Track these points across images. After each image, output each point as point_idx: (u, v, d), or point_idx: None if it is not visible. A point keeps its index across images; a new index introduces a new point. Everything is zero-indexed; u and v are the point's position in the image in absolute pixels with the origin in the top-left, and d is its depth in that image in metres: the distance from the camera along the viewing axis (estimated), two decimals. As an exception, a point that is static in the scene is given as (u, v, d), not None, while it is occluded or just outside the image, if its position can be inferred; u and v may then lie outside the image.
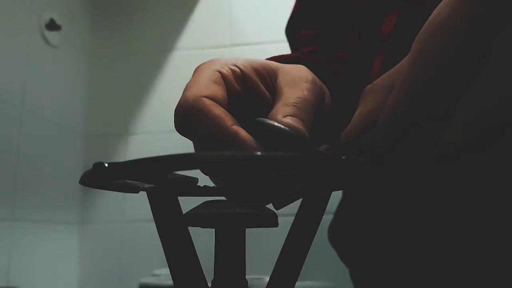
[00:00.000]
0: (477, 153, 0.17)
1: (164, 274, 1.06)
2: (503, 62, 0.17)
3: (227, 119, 0.28)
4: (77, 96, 1.32)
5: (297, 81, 0.32)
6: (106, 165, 0.19)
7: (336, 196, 0.53)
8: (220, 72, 0.32)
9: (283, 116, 0.28)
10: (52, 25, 1.19)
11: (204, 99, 0.28)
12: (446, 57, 0.18)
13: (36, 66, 1.13)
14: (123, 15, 1.41)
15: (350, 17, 0.49)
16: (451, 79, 0.18)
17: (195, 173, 0.24)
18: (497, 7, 0.17)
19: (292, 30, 0.55)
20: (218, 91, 0.30)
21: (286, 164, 0.19)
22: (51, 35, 1.19)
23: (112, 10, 1.42)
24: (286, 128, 0.27)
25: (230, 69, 0.32)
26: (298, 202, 0.24)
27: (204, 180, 0.27)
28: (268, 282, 0.23)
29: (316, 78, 0.35)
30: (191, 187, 0.25)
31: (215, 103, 0.29)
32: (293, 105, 0.29)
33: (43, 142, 1.14)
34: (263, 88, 0.33)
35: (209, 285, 0.23)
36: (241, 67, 0.33)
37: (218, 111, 0.28)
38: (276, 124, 0.27)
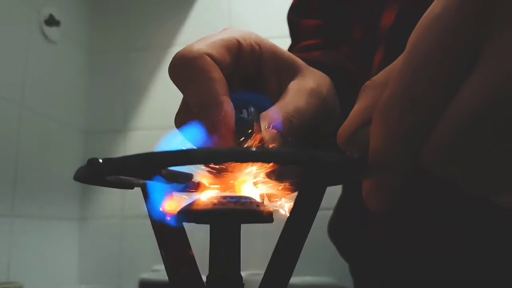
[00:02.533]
0: (468, 150, 0.17)
1: (164, 269, 1.06)
2: (496, 58, 0.16)
3: (221, 87, 0.27)
4: (76, 92, 1.32)
5: (308, 92, 0.31)
6: (100, 161, 0.19)
7: (335, 192, 0.53)
8: (239, 41, 0.31)
9: (268, 125, 0.28)
10: (51, 21, 1.18)
11: (207, 57, 0.28)
12: (439, 53, 0.18)
13: (35, 62, 1.13)
14: (122, 11, 1.41)
15: (352, 9, 0.49)
16: (444, 76, 0.18)
17: (191, 168, 0.24)
18: (491, 3, 0.17)
19: (294, 18, 0.54)
20: (225, 56, 0.29)
21: (281, 161, 0.19)
22: (50, 31, 1.18)
23: (111, 6, 1.41)
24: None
25: (251, 45, 0.31)
26: (293, 198, 0.24)
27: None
28: (263, 277, 0.23)
29: (331, 95, 0.34)
30: (186, 183, 0.25)
31: (216, 65, 0.28)
32: (286, 117, 0.29)
33: (42, 138, 1.14)
34: (273, 81, 0.32)
35: (204, 280, 0.23)
36: (263, 49, 0.32)
37: (216, 75, 0.28)
38: (253, 127, 0.27)
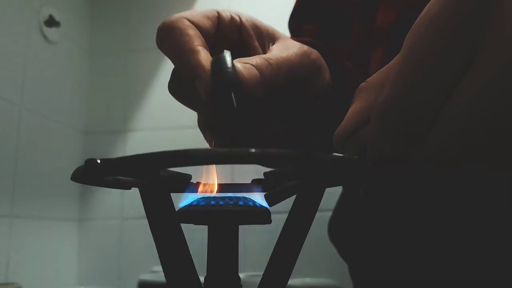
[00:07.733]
0: (469, 145, 0.17)
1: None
2: (493, 60, 0.17)
3: (196, 40, 0.29)
4: (76, 92, 1.32)
5: (290, 46, 0.33)
6: (98, 161, 0.19)
7: (335, 193, 0.53)
8: (218, 12, 0.33)
9: (243, 61, 0.29)
10: (51, 22, 1.18)
11: (184, 19, 0.30)
12: (436, 55, 0.18)
13: (35, 63, 1.13)
14: (122, 11, 1.41)
15: (350, 11, 0.49)
16: (441, 77, 0.18)
17: (189, 169, 0.24)
18: (487, 4, 0.17)
19: (295, 25, 0.55)
20: (204, 22, 0.32)
21: (281, 162, 0.19)
22: (50, 32, 1.18)
23: (111, 7, 1.41)
24: (230, 69, 0.28)
25: (231, 15, 0.34)
26: (291, 199, 0.24)
27: (197, 176, 0.27)
28: (262, 278, 0.23)
29: (315, 54, 0.35)
30: (184, 184, 0.25)
31: (192, 25, 0.30)
32: (264, 59, 0.30)
33: (42, 139, 1.14)
34: (256, 43, 0.34)
35: (202, 281, 0.23)
36: (243, 19, 0.34)
37: (192, 32, 0.30)
38: (227, 61, 0.28)
